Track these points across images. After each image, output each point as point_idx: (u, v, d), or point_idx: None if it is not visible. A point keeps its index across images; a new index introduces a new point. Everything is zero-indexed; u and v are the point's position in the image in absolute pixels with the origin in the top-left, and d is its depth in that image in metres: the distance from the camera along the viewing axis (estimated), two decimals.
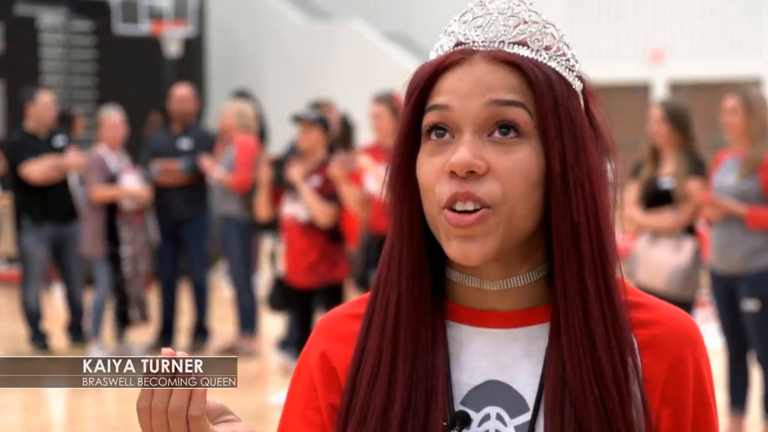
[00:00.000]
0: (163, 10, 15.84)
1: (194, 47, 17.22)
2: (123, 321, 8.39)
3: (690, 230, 5.72)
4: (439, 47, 1.31)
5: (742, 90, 5.76)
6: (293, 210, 6.68)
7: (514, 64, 1.25)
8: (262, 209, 7.44)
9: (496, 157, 1.23)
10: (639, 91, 17.58)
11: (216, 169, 8.28)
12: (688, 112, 5.80)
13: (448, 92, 1.26)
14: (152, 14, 15.86)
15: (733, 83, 17.18)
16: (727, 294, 5.69)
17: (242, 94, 9.53)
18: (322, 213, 6.57)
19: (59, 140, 8.45)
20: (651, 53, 17.71)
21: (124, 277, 8.21)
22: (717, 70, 17.32)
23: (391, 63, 16.96)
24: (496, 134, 1.24)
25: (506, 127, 1.24)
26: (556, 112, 1.25)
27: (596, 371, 1.23)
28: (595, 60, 17.42)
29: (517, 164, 1.23)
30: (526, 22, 1.28)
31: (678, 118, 5.74)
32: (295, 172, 6.75)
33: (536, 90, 1.25)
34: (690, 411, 1.27)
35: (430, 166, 1.25)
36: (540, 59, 1.27)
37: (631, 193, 5.84)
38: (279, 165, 7.30)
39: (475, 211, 1.22)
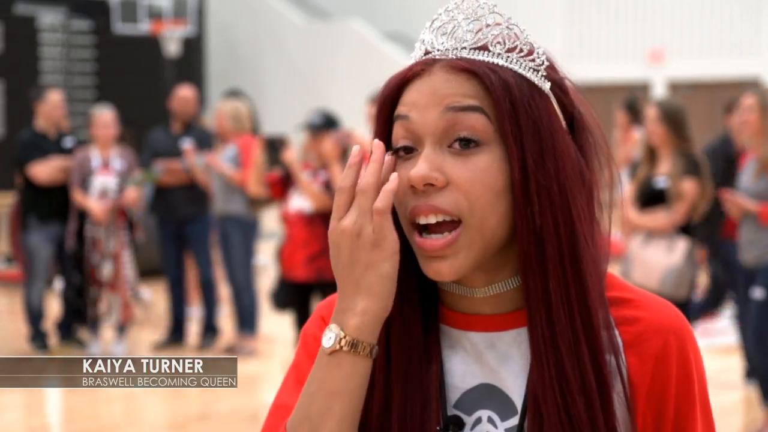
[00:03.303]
0: (162, 9, 15.84)
1: (194, 47, 17.22)
2: (79, 318, 8.52)
3: (685, 230, 5.75)
4: (413, 57, 1.31)
5: (762, 90, 5.95)
6: (300, 204, 6.66)
7: (471, 71, 1.25)
8: (253, 186, 7.44)
9: (455, 168, 1.22)
10: (638, 91, 17.58)
11: (224, 166, 8.29)
12: (684, 112, 5.85)
13: (408, 104, 1.25)
14: (152, 14, 15.87)
15: (733, 83, 17.22)
16: (749, 286, 5.83)
17: (234, 94, 9.52)
18: (316, 197, 6.55)
19: (68, 141, 8.51)
20: (650, 53, 17.71)
21: (84, 275, 8.27)
22: (716, 70, 17.33)
23: (391, 62, 16.97)
24: (456, 145, 1.23)
25: (465, 140, 1.23)
26: (514, 116, 1.23)
27: (560, 379, 1.21)
28: (595, 59, 17.42)
29: (477, 174, 1.22)
30: (488, 26, 1.27)
31: (674, 118, 5.77)
32: (290, 155, 6.74)
33: (492, 95, 1.23)
34: (672, 405, 1.26)
35: (399, 182, 1.25)
36: (500, 63, 1.25)
37: (627, 192, 5.88)
38: (272, 145, 7.28)
39: (440, 224, 1.22)
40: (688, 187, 5.67)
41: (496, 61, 1.25)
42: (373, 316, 1.21)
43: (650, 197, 5.77)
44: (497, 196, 1.22)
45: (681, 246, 5.66)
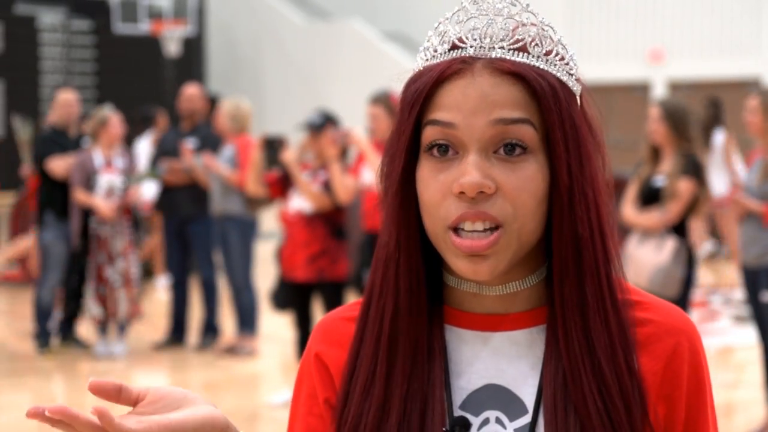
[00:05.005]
0: (162, 9, 15.85)
1: (194, 47, 17.23)
2: (73, 317, 8.53)
3: (678, 229, 5.76)
4: (430, 47, 1.27)
5: (766, 92, 6.04)
6: (299, 205, 6.66)
7: (517, 74, 1.22)
8: (251, 186, 7.46)
9: (503, 175, 1.21)
10: (638, 91, 17.59)
11: (221, 167, 8.30)
12: (687, 112, 5.86)
13: (452, 108, 1.22)
14: (152, 14, 15.87)
15: (733, 83, 17.21)
16: (752, 286, 5.86)
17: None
18: (315, 197, 6.56)
19: (86, 142, 8.59)
20: (650, 53, 17.71)
21: (85, 275, 8.28)
22: (716, 69, 17.33)
23: (391, 62, 16.96)
24: (502, 152, 1.21)
25: (511, 145, 1.21)
26: (561, 124, 1.22)
27: (600, 386, 1.22)
28: (595, 59, 17.42)
29: (524, 182, 1.21)
30: (524, 25, 1.24)
31: (675, 118, 5.79)
32: (288, 155, 6.74)
33: (542, 103, 1.21)
34: (683, 406, 1.26)
35: (435, 185, 1.22)
36: (542, 66, 1.23)
37: (630, 191, 5.92)
38: (270, 145, 7.29)
39: (485, 230, 1.20)
40: (684, 186, 5.68)
41: (537, 64, 1.23)
42: None
43: (649, 196, 5.79)
44: (538, 203, 1.22)
45: (669, 245, 5.68)
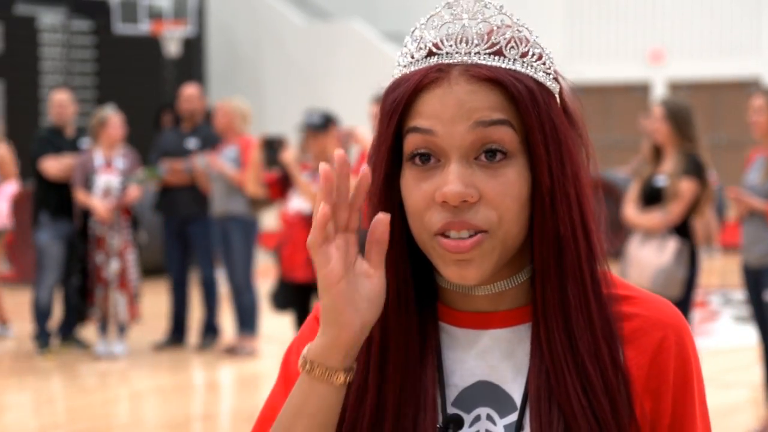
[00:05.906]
0: (162, 9, 15.85)
1: (194, 47, 17.23)
2: (78, 317, 8.52)
3: (680, 230, 5.75)
4: (407, 53, 1.27)
5: None
6: (299, 205, 6.67)
7: (495, 80, 1.22)
8: (251, 186, 7.46)
9: (485, 182, 1.21)
10: (638, 91, 17.59)
11: (225, 166, 8.30)
12: (690, 113, 5.86)
13: (431, 116, 1.22)
14: (152, 14, 15.88)
15: (733, 83, 17.21)
16: (755, 286, 5.85)
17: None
18: (315, 198, 6.56)
19: (84, 142, 8.58)
20: (650, 53, 17.72)
21: (87, 274, 8.26)
22: (716, 70, 17.33)
23: (391, 63, 16.94)
24: (483, 158, 1.22)
25: (492, 151, 1.22)
26: (541, 126, 1.23)
27: (584, 384, 1.22)
28: (595, 60, 17.42)
29: (507, 187, 1.21)
30: (499, 28, 1.24)
31: (678, 117, 5.79)
32: (288, 156, 6.74)
33: (520, 106, 1.22)
34: (670, 400, 1.26)
35: (418, 193, 1.23)
36: (518, 69, 1.23)
37: (632, 190, 5.93)
38: (270, 145, 7.30)
39: (470, 236, 1.21)
40: (686, 187, 5.68)
41: (514, 67, 1.23)
42: (328, 342, 1.21)
43: (651, 196, 5.79)
44: (522, 206, 1.23)
45: (671, 246, 5.67)
